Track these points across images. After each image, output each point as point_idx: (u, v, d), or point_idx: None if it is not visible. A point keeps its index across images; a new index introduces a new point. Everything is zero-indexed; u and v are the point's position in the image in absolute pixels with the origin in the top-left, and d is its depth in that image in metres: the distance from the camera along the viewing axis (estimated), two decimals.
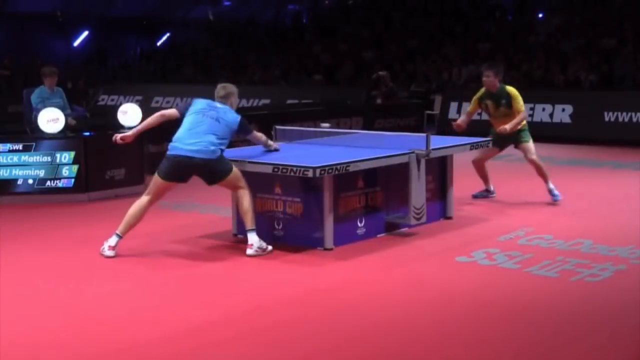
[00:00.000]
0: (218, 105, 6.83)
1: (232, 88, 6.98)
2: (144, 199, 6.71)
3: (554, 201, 8.55)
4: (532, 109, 14.97)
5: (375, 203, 7.22)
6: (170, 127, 6.89)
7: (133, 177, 9.58)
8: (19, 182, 9.21)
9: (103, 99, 21.12)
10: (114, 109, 11.01)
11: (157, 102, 19.81)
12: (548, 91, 16.24)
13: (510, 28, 22.21)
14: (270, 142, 7.28)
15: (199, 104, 6.82)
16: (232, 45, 26.52)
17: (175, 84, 21.63)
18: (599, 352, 4.55)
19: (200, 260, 6.52)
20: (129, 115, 9.57)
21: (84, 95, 21.91)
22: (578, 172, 11.06)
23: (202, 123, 6.63)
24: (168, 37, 30.84)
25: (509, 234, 7.26)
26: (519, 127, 8.59)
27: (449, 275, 6.11)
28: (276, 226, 7.03)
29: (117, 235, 6.63)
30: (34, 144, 9.26)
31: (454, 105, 16.32)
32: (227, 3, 31.49)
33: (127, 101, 17.01)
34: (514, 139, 8.70)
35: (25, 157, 9.22)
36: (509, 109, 8.54)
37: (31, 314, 5.32)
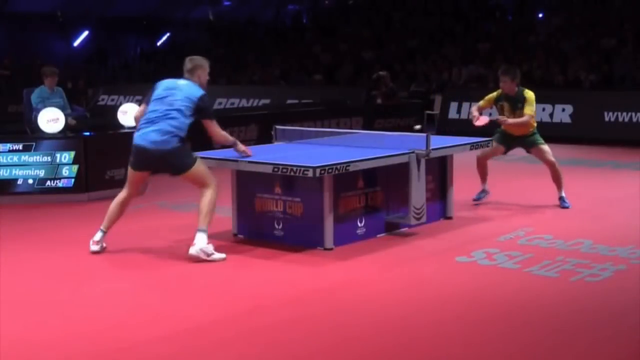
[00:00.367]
0: (180, 82, 6.56)
1: (199, 61, 6.67)
2: (122, 193, 6.73)
3: (562, 207, 8.46)
4: None
5: (375, 203, 7.22)
6: None
7: None
8: (19, 182, 9.22)
9: (103, 99, 21.12)
10: (114, 109, 11.02)
11: None
12: (548, 91, 16.21)
13: (510, 28, 22.22)
14: (239, 145, 6.85)
15: (159, 88, 6.57)
16: (232, 45, 26.54)
17: None
18: (598, 351, 4.54)
19: (200, 260, 6.52)
20: (129, 115, 9.54)
21: (84, 95, 21.93)
22: (578, 172, 11.06)
23: (156, 111, 6.45)
24: (168, 37, 30.86)
25: (509, 234, 7.26)
26: (530, 129, 8.46)
27: (449, 275, 6.11)
28: (276, 226, 7.03)
29: (102, 230, 6.71)
30: (34, 144, 9.27)
31: (454, 105, 16.32)
32: (227, 3, 31.51)
33: (127, 101, 16.99)
34: (525, 142, 8.55)
35: (25, 157, 9.22)
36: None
37: (31, 314, 5.32)
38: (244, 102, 18.42)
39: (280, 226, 7.01)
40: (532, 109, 8.39)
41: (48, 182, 9.22)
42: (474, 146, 8.10)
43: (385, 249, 6.85)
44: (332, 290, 5.76)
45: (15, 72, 22.86)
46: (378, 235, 7.23)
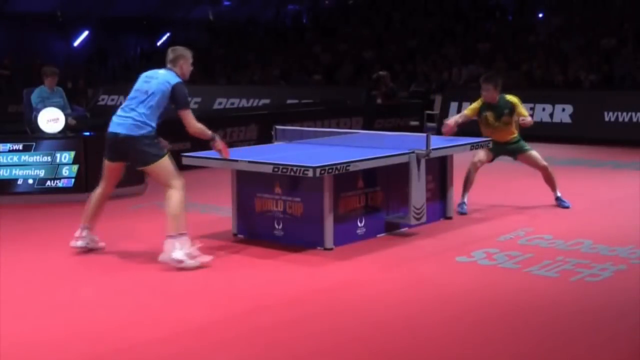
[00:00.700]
0: (160, 72, 6.47)
1: (181, 51, 6.57)
2: (98, 188, 6.71)
3: (563, 207, 8.43)
4: (532, 109, 14.96)
5: (375, 203, 7.22)
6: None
7: (133, 177, 9.56)
8: (19, 182, 9.22)
9: (103, 99, 21.13)
10: (114, 109, 10.97)
11: None
12: (548, 91, 16.24)
13: (510, 28, 22.21)
14: (217, 142, 6.58)
15: (139, 79, 6.54)
16: (232, 45, 26.53)
17: None
18: (598, 352, 4.54)
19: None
20: None
21: (84, 95, 21.94)
22: (578, 172, 11.06)
23: (132, 98, 6.43)
24: (168, 37, 30.84)
25: (509, 234, 7.25)
26: (514, 136, 8.38)
27: (449, 275, 6.11)
28: (276, 226, 7.03)
29: (82, 227, 6.72)
30: (34, 144, 9.27)
31: (454, 105, 16.32)
32: (227, 3, 31.51)
33: None
34: (510, 149, 8.46)
35: (25, 157, 9.23)
36: (512, 118, 8.32)
37: (31, 314, 5.32)
38: (244, 102, 18.42)
39: (280, 226, 7.01)
40: (525, 110, 8.42)
41: (48, 182, 9.22)
42: (474, 146, 8.10)
43: (385, 249, 6.85)
44: (332, 290, 5.76)
45: (15, 72, 22.87)
46: (378, 235, 7.23)
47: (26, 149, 9.23)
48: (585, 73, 17.59)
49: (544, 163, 8.45)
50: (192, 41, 28.43)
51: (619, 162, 11.93)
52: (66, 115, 9.66)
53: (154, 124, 6.35)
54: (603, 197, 9.26)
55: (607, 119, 14.54)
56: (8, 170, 9.21)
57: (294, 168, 6.42)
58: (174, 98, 6.35)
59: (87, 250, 6.77)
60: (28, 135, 9.54)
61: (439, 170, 7.97)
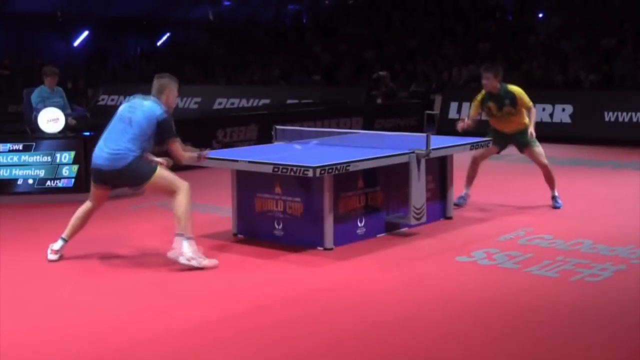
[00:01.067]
0: (145, 103, 6.34)
1: (167, 82, 6.40)
2: (87, 204, 6.57)
3: (554, 207, 8.46)
4: None
5: (375, 203, 7.22)
6: None
7: None
8: (19, 182, 9.22)
9: (103, 99, 21.13)
10: (114, 109, 10.97)
11: None
12: (548, 91, 16.23)
13: (510, 28, 22.22)
14: (201, 154, 6.70)
15: (123, 106, 6.46)
16: (232, 45, 26.54)
17: None
18: (598, 352, 4.54)
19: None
20: None
21: (84, 95, 21.94)
22: (578, 172, 11.06)
23: (114, 130, 6.33)
24: (168, 37, 30.88)
25: (509, 234, 7.25)
26: (522, 126, 8.37)
27: (449, 275, 6.11)
28: (276, 226, 7.03)
29: (63, 239, 6.56)
30: (34, 144, 9.27)
31: (454, 105, 16.32)
32: (227, 3, 31.53)
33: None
34: (518, 141, 8.47)
35: (25, 157, 9.23)
36: (514, 108, 8.30)
37: (31, 314, 5.32)
38: (244, 102, 18.41)
39: (280, 226, 7.01)
40: (529, 100, 8.39)
41: (48, 182, 9.22)
42: (474, 146, 8.10)
43: (385, 249, 6.85)
44: (332, 290, 5.76)
45: (15, 72, 22.86)
46: (378, 235, 7.23)
47: (26, 149, 9.23)
48: (585, 73, 17.60)
49: (545, 162, 8.45)
50: (192, 41, 28.56)
51: (619, 162, 11.93)
52: (66, 115, 9.66)
53: (139, 151, 6.25)
54: (603, 197, 9.25)
55: (607, 119, 14.54)
56: (8, 170, 9.21)
57: (294, 168, 6.42)
58: (161, 133, 6.30)
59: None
60: (28, 135, 9.54)
61: (439, 170, 7.97)
